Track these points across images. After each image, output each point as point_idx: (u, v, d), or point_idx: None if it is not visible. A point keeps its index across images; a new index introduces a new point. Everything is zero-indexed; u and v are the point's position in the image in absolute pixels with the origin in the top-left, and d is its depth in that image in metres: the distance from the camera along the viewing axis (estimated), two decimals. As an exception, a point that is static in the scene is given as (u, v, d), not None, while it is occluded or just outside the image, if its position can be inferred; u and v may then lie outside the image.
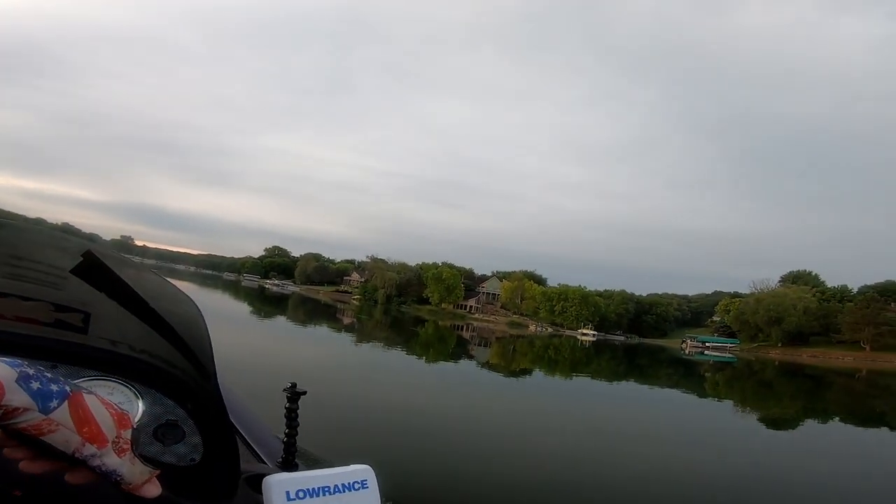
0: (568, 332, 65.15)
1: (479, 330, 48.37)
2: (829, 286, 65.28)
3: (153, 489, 0.43)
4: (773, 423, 14.04)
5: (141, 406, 0.58)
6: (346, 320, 36.34)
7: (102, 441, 0.39)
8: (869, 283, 64.07)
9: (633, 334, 72.55)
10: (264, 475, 0.56)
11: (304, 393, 0.77)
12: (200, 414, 0.61)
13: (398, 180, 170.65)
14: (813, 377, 32.65)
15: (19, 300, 0.53)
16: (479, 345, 31.30)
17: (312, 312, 39.35)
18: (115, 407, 0.41)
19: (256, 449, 0.87)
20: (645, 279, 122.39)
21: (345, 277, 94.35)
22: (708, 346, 59.90)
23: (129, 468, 0.41)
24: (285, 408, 0.76)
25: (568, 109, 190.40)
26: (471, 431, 7.88)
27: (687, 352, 55.14)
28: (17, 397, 0.35)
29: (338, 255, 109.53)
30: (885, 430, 14.66)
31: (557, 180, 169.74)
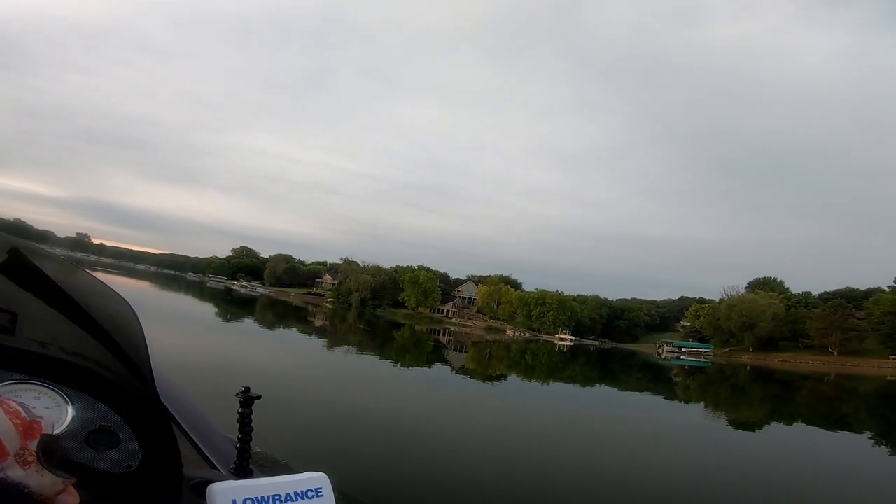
0: (545, 337, 65.85)
1: (455, 334, 48.41)
2: (793, 293, 68.15)
3: (69, 499, 0.41)
4: (745, 425, 14.54)
5: (70, 411, 0.56)
6: (318, 323, 35.82)
7: (2, 454, 0.38)
8: (828, 289, 67.10)
9: (607, 339, 73.96)
10: (213, 482, 0.55)
11: (259, 397, 0.76)
12: (137, 419, 0.59)
13: (372, 182, 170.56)
14: (783, 381, 33.94)
15: None
16: (456, 349, 31.32)
17: (282, 315, 38.60)
18: (23, 416, 0.39)
19: (209, 455, 0.86)
20: (615, 284, 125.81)
21: (316, 280, 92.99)
22: (683, 351, 61.48)
23: (36, 480, 0.39)
24: (238, 412, 0.76)
25: (545, 116, 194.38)
26: (442, 438, 7.86)
27: (663, 356, 56.47)
28: None
29: (309, 257, 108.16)
30: (847, 432, 15.38)
31: (533, 186, 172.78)
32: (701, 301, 74.05)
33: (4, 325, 0.54)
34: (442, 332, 50.63)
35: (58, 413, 0.56)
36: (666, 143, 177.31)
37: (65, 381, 0.56)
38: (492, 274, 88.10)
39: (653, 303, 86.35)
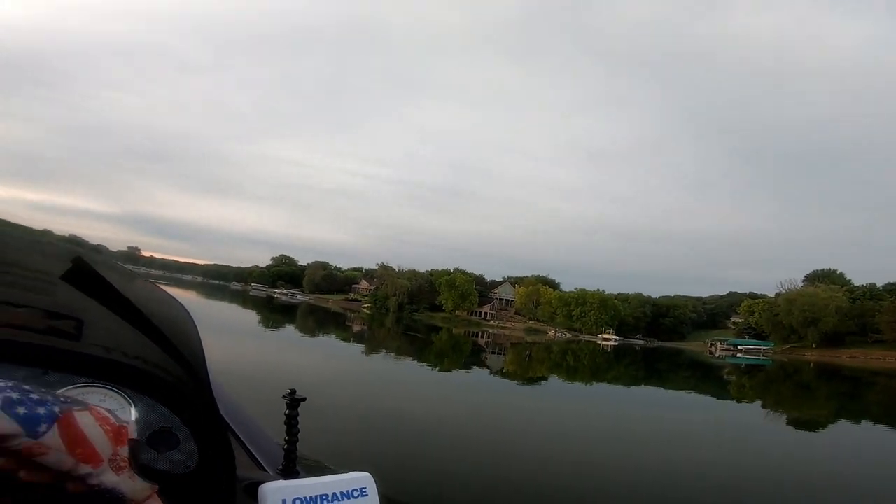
0: (587, 338, 64.54)
1: (494, 336, 48.16)
2: (855, 285, 63.82)
3: None
4: (810, 424, 13.73)
5: (134, 413, 0.59)
6: (357, 328, 36.49)
7: (97, 460, 0.38)
8: (893, 280, 62.35)
9: (652, 338, 71.71)
10: (263, 483, 0.56)
11: (304, 399, 0.78)
12: (195, 420, 0.62)
13: (401, 187, 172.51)
14: (852, 378, 31.84)
15: (9, 307, 0.54)
16: (495, 352, 31.16)
17: (322, 321, 39.57)
18: (112, 422, 0.40)
19: (257, 456, 0.88)
20: (657, 281, 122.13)
21: (353, 286, 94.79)
22: (740, 349, 58.80)
23: (128, 485, 0.40)
24: (285, 414, 0.78)
25: (569, 113, 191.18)
26: (482, 440, 7.82)
27: (717, 354, 54.22)
28: (2, 424, 0.34)
29: (344, 264, 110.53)
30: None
31: (562, 184, 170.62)
32: (753, 296, 70.71)
33: (70, 331, 0.57)
34: (480, 334, 50.49)
35: (122, 415, 0.58)
36: (700, 135, 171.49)
37: (128, 384, 0.59)
38: (528, 275, 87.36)
39: (699, 299, 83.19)
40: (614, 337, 64.80)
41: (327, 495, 0.53)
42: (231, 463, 0.64)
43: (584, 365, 28.35)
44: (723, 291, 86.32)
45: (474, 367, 21.04)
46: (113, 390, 0.59)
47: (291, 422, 0.78)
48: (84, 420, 0.38)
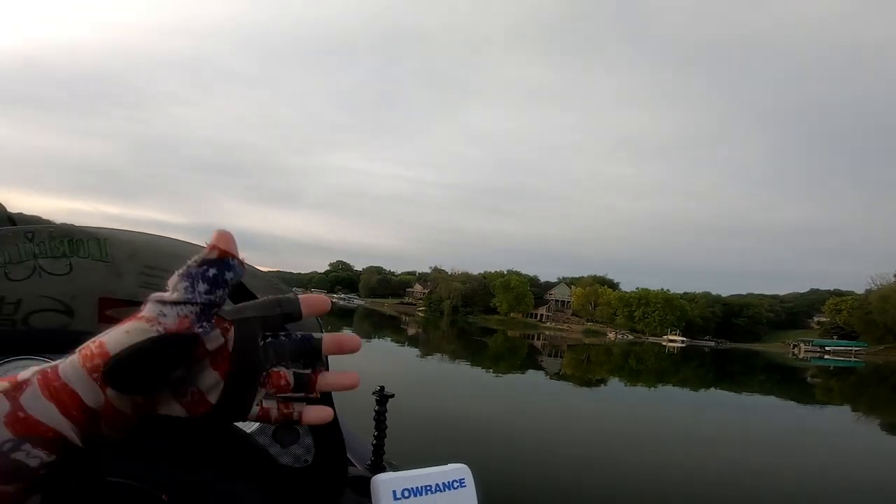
0: (651, 339, 61.97)
1: (551, 339, 47.39)
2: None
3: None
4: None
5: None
6: (412, 331, 37.20)
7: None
8: None
9: (723, 339, 67.59)
10: (361, 476, 0.61)
11: (392, 396, 0.82)
12: None
13: (450, 190, 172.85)
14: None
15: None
16: (551, 354, 30.69)
17: (378, 324, 40.69)
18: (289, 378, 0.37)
19: (348, 452, 0.94)
20: (726, 279, 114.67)
21: (407, 289, 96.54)
22: (828, 350, 54.29)
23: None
24: (374, 410, 0.80)
25: (620, 108, 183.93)
26: (541, 441, 7.82)
27: (801, 356, 50.37)
28: None
29: (398, 268, 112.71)
30: None
31: (617, 181, 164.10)
32: (838, 293, 65.05)
33: None
34: (536, 336, 49.85)
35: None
36: (763, 124, 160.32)
37: None
38: (584, 275, 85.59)
39: (775, 297, 77.72)
40: (681, 338, 61.77)
41: (430, 486, 0.56)
42: (343, 457, 0.68)
43: (647, 367, 27.29)
44: (802, 288, 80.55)
45: (532, 370, 20.87)
46: None
47: (380, 417, 0.80)
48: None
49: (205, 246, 0.55)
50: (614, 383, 19.05)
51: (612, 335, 65.20)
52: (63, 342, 0.53)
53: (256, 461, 0.42)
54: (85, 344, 0.32)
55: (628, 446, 7.93)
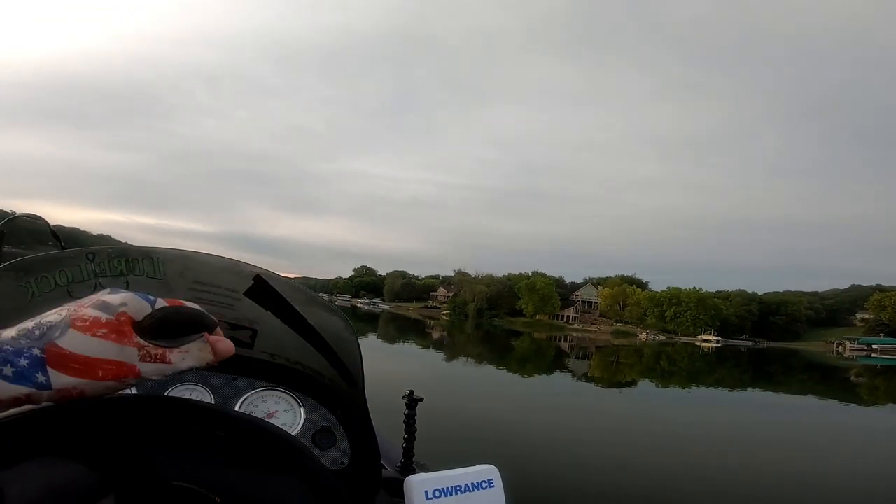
0: (684, 339, 60.47)
1: (578, 340, 46.78)
2: None
3: (219, 346, 0.40)
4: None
5: (302, 413, 0.68)
6: (436, 335, 37.30)
7: (129, 370, 0.35)
8: None
9: (760, 338, 65.39)
10: (394, 478, 0.64)
11: (422, 400, 0.84)
12: (347, 419, 0.69)
13: (473, 193, 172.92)
14: None
15: None
16: (579, 356, 30.31)
17: (403, 328, 40.94)
18: (104, 320, 0.35)
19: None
20: (761, 276, 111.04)
21: (431, 293, 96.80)
22: (874, 349, 51.98)
23: (190, 358, 0.38)
24: (404, 414, 0.83)
25: (642, 105, 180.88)
26: (575, 441, 7.78)
27: (846, 355, 48.36)
28: (6, 390, 0.32)
29: (422, 272, 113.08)
30: None
31: (642, 179, 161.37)
32: (881, 289, 62.35)
33: (246, 340, 0.66)
34: (563, 338, 49.28)
35: (292, 416, 0.68)
36: (792, 117, 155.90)
37: (294, 387, 0.68)
38: (611, 275, 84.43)
39: (814, 294, 74.93)
40: (716, 338, 60.14)
41: (460, 486, 0.57)
42: (377, 459, 0.70)
43: (680, 368, 26.66)
44: (842, 284, 77.74)
45: (559, 372, 20.67)
46: (286, 393, 0.68)
47: (410, 421, 0.83)
48: (73, 341, 0.33)
49: (237, 259, 0.63)
50: (645, 385, 18.69)
51: (642, 336, 63.89)
52: None
53: (303, 462, 0.45)
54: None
55: (659, 448, 7.80)
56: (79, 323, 0.34)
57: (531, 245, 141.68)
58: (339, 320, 0.68)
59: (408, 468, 0.80)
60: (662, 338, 63.00)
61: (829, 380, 25.05)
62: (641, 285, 79.04)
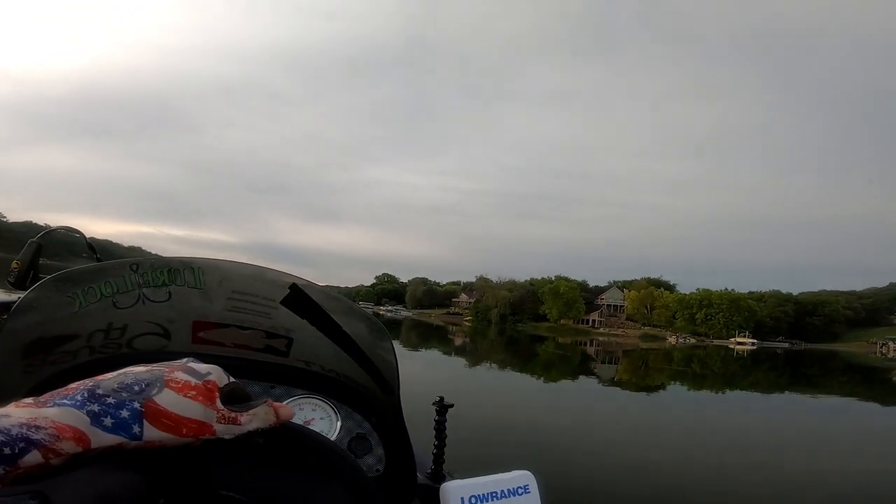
0: (716, 342, 58.89)
1: (604, 345, 46.00)
2: None
3: (281, 411, 0.43)
4: None
5: (339, 420, 0.70)
6: (459, 341, 37.21)
7: (207, 429, 0.38)
8: None
9: (797, 339, 63.18)
10: (427, 485, 0.66)
11: (451, 406, 0.85)
12: (382, 426, 0.70)
13: (490, 198, 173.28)
14: None
15: (238, 329, 0.65)
16: (605, 361, 29.80)
17: (426, 335, 40.99)
18: (193, 385, 0.39)
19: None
20: (793, 277, 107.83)
21: (453, 299, 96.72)
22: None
23: (257, 420, 0.41)
24: (434, 420, 0.84)
25: (661, 105, 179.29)
26: (608, 446, 7.65)
27: (890, 356, 46.43)
28: (101, 439, 0.34)
29: (443, 278, 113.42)
30: None
31: (665, 179, 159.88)
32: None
33: (282, 349, 0.69)
34: (589, 343, 48.54)
35: (328, 423, 0.70)
36: (815, 113, 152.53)
37: (331, 394, 0.70)
38: (636, 278, 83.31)
39: (852, 293, 72.20)
40: (751, 340, 58.41)
41: (496, 493, 0.57)
42: (412, 466, 0.71)
43: (713, 371, 25.96)
44: (881, 283, 74.68)
45: (585, 376, 20.36)
46: (322, 400, 0.70)
47: (440, 427, 0.84)
48: (167, 399, 0.37)
49: (273, 269, 0.63)
50: (677, 389, 18.26)
51: (672, 339, 62.47)
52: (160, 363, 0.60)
53: (345, 469, 0.46)
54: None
55: (695, 453, 7.61)
56: (173, 384, 0.38)
57: (554, 249, 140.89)
58: (375, 328, 0.69)
59: (438, 475, 0.80)
60: (693, 341, 61.46)
61: (871, 381, 24.05)
62: (669, 288, 77.45)
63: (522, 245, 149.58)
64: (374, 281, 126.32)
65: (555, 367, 23.62)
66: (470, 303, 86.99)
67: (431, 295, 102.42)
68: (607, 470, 6.17)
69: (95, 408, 0.35)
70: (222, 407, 0.40)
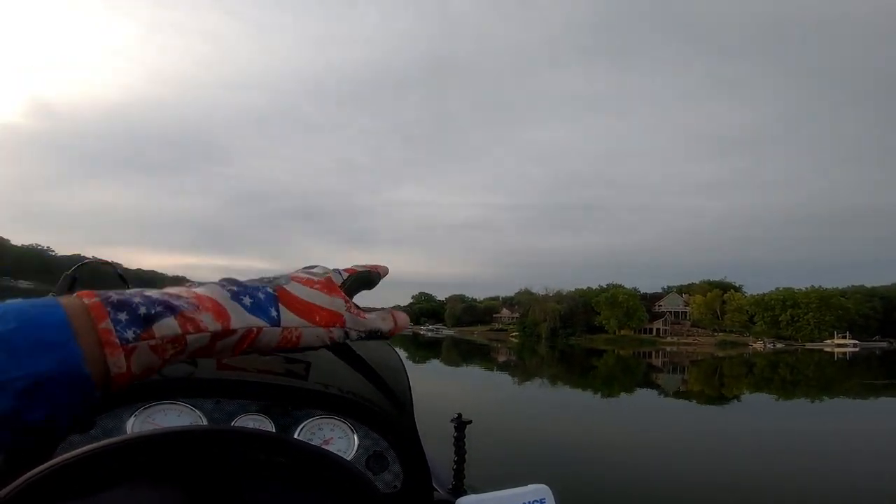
0: (809, 346, 55.34)
1: (672, 355, 43.84)
2: None
3: (399, 319, 0.47)
4: None
5: (356, 440, 0.74)
6: (502, 359, 36.27)
7: (338, 319, 0.41)
8: None
9: (892, 338, 58.84)
10: (444, 500, 0.70)
11: (470, 422, 0.90)
12: (399, 444, 0.75)
13: (520, 212, 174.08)
14: None
15: (258, 356, 0.68)
16: (674, 371, 28.10)
17: (469, 353, 40.22)
18: (315, 280, 0.42)
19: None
20: (870, 269, 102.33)
21: (494, 315, 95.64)
22: None
23: (378, 320, 0.44)
24: (453, 437, 0.89)
25: (684, 105, 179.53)
26: (668, 466, 6.97)
27: None
28: (243, 319, 0.36)
29: (480, 294, 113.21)
30: None
31: (698, 180, 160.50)
32: None
33: (301, 372, 0.76)
34: (654, 353, 46.47)
35: (346, 442, 0.74)
36: (849, 100, 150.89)
37: (348, 415, 0.75)
38: (693, 282, 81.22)
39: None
40: (852, 341, 54.59)
41: None
42: (429, 483, 0.76)
43: (808, 377, 23.95)
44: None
45: (650, 389, 19.08)
46: (340, 420, 0.74)
47: (459, 443, 0.89)
48: (296, 289, 0.40)
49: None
50: (762, 398, 16.80)
51: (757, 345, 59.08)
52: (189, 388, 0.68)
53: (360, 488, 0.48)
54: None
55: (764, 467, 6.80)
56: (298, 278, 0.42)
57: (593, 258, 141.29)
58: (387, 351, 0.76)
59: (458, 490, 0.85)
60: (781, 345, 57.94)
61: None
62: (736, 289, 73.88)
63: (557, 256, 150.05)
64: (411, 300, 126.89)
65: (616, 380, 22.38)
66: (513, 318, 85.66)
67: (471, 311, 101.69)
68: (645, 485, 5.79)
69: (234, 287, 0.38)
70: (349, 299, 0.43)
